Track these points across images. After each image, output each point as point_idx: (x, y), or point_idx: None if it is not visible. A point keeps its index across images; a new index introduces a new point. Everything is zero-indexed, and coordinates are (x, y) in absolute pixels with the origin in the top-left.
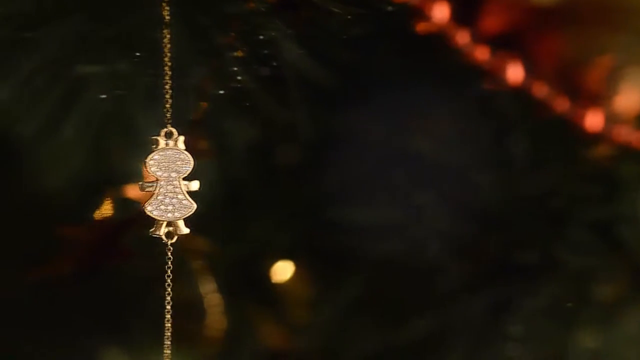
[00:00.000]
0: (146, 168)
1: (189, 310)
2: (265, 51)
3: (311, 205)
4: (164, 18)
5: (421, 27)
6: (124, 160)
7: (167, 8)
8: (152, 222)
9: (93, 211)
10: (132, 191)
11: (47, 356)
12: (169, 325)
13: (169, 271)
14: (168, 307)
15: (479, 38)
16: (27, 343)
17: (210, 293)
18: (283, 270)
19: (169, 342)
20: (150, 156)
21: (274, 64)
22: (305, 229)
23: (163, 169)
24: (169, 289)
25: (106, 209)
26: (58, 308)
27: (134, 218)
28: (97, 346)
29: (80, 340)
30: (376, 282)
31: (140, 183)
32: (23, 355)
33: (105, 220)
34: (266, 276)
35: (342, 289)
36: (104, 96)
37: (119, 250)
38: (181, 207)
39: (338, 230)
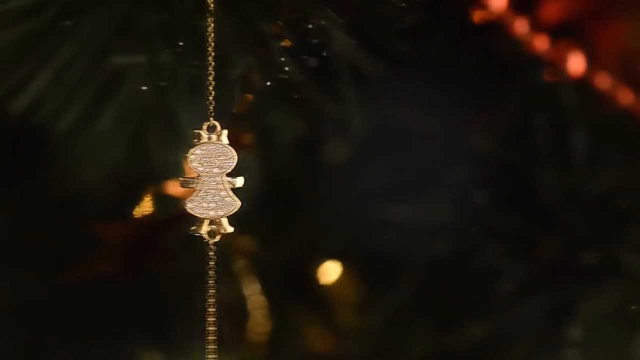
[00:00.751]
0: (187, 163)
1: (232, 313)
2: (314, 40)
3: (360, 203)
4: (208, 6)
5: (478, 15)
6: (164, 155)
7: None
8: (195, 220)
9: (132, 209)
10: (173, 188)
11: (86, 358)
12: (213, 328)
13: (211, 272)
14: (211, 309)
15: (538, 27)
16: (65, 344)
17: (253, 295)
18: (330, 272)
19: (212, 346)
20: (191, 151)
21: (324, 54)
22: (354, 228)
23: (205, 164)
24: (212, 291)
25: (146, 207)
26: (97, 309)
27: (176, 216)
28: (137, 348)
29: (120, 342)
30: (428, 284)
31: (181, 179)
32: (61, 356)
33: (145, 218)
34: (312, 277)
35: (392, 291)
36: (144, 88)
37: (160, 250)
38: (224, 204)
39: (388, 230)
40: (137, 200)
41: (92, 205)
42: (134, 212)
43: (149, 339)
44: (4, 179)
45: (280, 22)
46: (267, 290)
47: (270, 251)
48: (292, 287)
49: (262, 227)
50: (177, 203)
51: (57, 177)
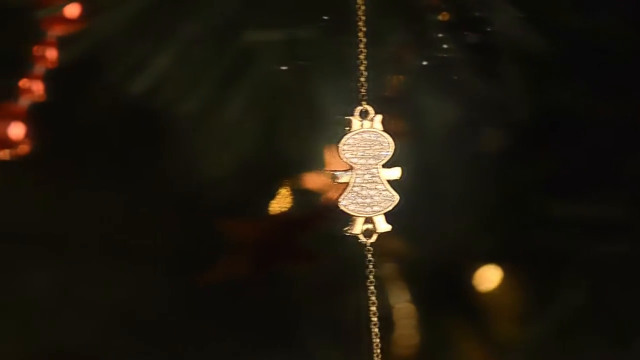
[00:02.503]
0: (339, 154)
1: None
2: (476, 14)
3: (523, 199)
4: None
5: None
6: (303, 144)
7: None
8: (346, 218)
9: (266, 205)
10: (313, 181)
11: None
12: (377, 340)
13: (371, 276)
14: (374, 318)
15: None
16: (193, 350)
17: (401, 303)
18: (488, 277)
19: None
20: (343, 140)
21: (487, 29)
22: (516, 227)
23: (359, 154)
24: (373, 297)
25: (282, 202)
26: (227, 315)
27: (316, 213)
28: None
29: (251, 350)
30: (600, 290)
31: (332, 172)
32: None
33: (280, 215)
34: (468, 284)
35: (559, 299)
36: (283, 68)
37: (297, 251)
38: (381, 199)
39: (555, 228)
40: (271, 195)
41: (220, 200)
42: (268, 209)
43: (282, 350)
44: (120, 171)
45: None
46: (416, 298)
47: (420, 253)
48: (445, 295)
49: (412, 226)
50: (316, 198)
51: (180, 169)
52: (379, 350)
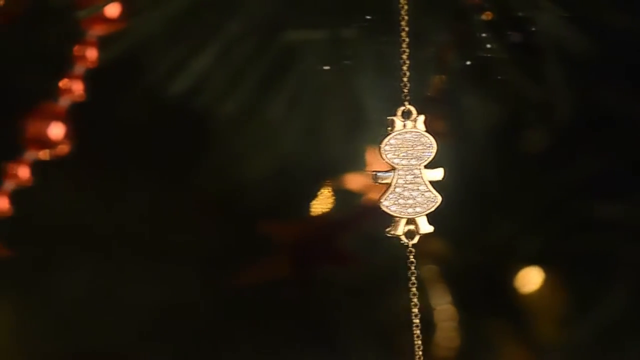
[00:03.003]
0: (381, 154)
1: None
2: (520, 13)
3: (566, 199)
4: None
5: None
6: (344, 144)
7: None
8: (388, 219)
9: (306, 205)
10: (354, 181)
11: None
12: (419, 342)
13: (412, 278)
14: (416, 320)
15: None
16: (232, 351)
17: (442, 305)
18: (530, 279)
19: None
20: (385, 140)
21: (531, 28)
22: (559, 228)
23: (401, 155)
24: (415, 299)
25: (324, 203)
26: (266, 316)
27: (357, 214)
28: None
29: (291, 352)
30: None
31: (374, 173)
32: None
33: (321, 217)
34: (510, 285)
35: (603, 302)
36: (326, 67)
37: (338, 253)
38: (424, 200)
39: (599, 230)
40: (312, 196)
41: (261, 201)
42: (309, 210)
43: (320, 349)
44: (160, 171)
45: None
46: (457, 300)
47: (461, 255)
48: (487, 297)
49: (453, 227)
50: (358, 199)
51: (220, 169)
52: (420, 353)
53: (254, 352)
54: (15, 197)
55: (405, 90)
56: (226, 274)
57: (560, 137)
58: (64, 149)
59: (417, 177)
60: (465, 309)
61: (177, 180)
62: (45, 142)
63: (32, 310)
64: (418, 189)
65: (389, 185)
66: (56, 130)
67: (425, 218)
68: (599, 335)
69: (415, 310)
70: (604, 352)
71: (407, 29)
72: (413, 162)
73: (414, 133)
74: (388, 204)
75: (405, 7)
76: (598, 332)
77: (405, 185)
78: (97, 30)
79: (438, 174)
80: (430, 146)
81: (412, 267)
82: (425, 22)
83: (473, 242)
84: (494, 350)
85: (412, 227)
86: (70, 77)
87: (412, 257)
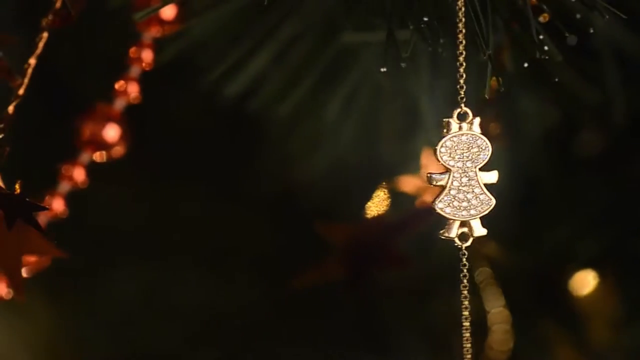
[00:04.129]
0: (437, 156)
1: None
2: (577, 16)
3: (620, 203)
4: None
5: None
6: (400, 146)
7: None
8: (442, 221)
9: (361, 207)
10: (409, 183)
11: None
12: (469, 345)
13: (465, 280)
14: (466, 323)
15: None
16: (279, 352)
17: (496, 308)
18: (585, 282)
19: None
20: (441, 142)
21: (587, 31)
22: (613, 231)
23: (457, 157)
24: (466, 302)
25: (379, 205)
26: (319, 317)
27: (412, 216)
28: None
29: (342, 353)
30: None
31: (429, 174)
32: None
33: (377, 218)
34: (564, 288)
35: None
36: (383, 69)
37: (392, 255)
38: (478, 203)
39: None
40: (366, 198)
41: (315, 203)
42: (364, 212)
43: (372, 355)
44: (214, 174)
45: None
46: (511, 303)
47: (516, 258)
48: (541, 300)
49: (507, 230)
50: (412, 201)
51: (274, 171)
52: (469, 356)
53: (309, 353)
54: (71, 199)
55: (462, 93)
56: (280, 277)
57: (616, 140)
58: (119, 150)
59: (472, 179)
60: (519, 312)
61: (231, 182)
62: (101, 144)
63: (83, 311)
64: (473, 192)
65: (443, 187)
66: (111, 132)
67: (479, 220)
68: None
69: (466, 313)
70: None
71: (464, 31)
72: (468, 164)
73: (469, 135)
74: (442, 206)
75: (463, 9)
76: None
77: (460, 188)
78: (152, 33)
79: (493, 176)
80: (485, 148)
81: (465, 270)
82: (482, 24)
83: (527, 245)
84: (547, 353)
85: (465, 229)
86: (126, 79)
87: (464, 259)
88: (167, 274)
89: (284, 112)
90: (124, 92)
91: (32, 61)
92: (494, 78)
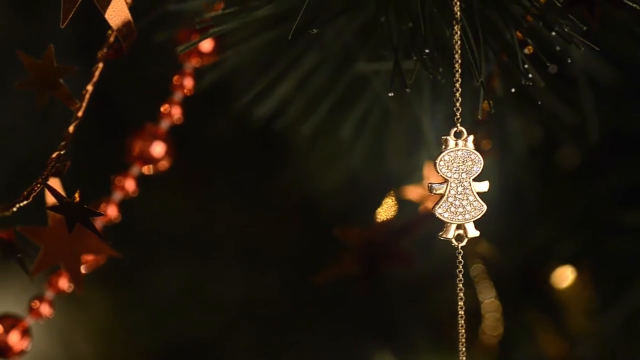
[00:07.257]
0: (436, 169)
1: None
2: (557, 48)
3: (596, 209)
4: (455, 14)
5: None
6: (405, 160)
7: (458, 3)
8: (441, 224)
9: (373, 213)
10: (413, 192)
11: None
12: (463, 331)
13: (460, 275)
14: (461, 312)
15: None
16: (299, 344)
17: (487, 298)
18: (564, 276)
19: (463, 349)
20: (440, 157)
21: (568, 60)
22: (590, 233)
23: (453, 170)
24: (461, 294)
25: (388, 211)
26: (337, 309)
27: (416, 220)
28: (371, 352)
29: (356, 345)
30: None
31: (429, 184)
32: (296, 356)
33: (386, 222)
34: (546, 282)
35: (626, 296)
36: (391, 94)
37: (400, 254)
38: (472, 209)
39: (625, 235)
40: (377, 205)
41: (332, 209)
42: (374, 217)
43: (384, 343)
44: (246, 184)
45: (524, 29)
46: (501, 295)
47: (505, 256)
48: (526, 292)
49: (498, 232)
50: (415, 207)
51: (298, 181)
52: (463, 340)
53: (327, 338)
54: (123, 206)
55: (458, 114)
56: (304, 273)
57: (590, 154)
58: (164, 164)
59: (467, 188)
60: (508, 302)
61: (261, 191)
62: (149, 159)
63: (133, 302)
64: (467, 199)
65: (442, 195)
66: (158, 149)
67: (472, 224)
68: (622, 325)
69: (461, 303)
70: (629, 340)
71: (460, 61)
72: (463, 175)
73: (464, 150)
74: (441, 212)
75: (459, 42)
76: (621, 322)
77: (456, 196)
78: (193, 63)
79: (484, 186)
80: (478, 162)
81: (460, 266)
82: (476, 55)
83: (514, 245)
84: (532, 338)
85: (461, 231)
86: (170, 102)
87: (460, 257)
88: (206, 270)
89: (305, 131)
90: (169, 114)
91: (90, 87)
92: (485, 101)
